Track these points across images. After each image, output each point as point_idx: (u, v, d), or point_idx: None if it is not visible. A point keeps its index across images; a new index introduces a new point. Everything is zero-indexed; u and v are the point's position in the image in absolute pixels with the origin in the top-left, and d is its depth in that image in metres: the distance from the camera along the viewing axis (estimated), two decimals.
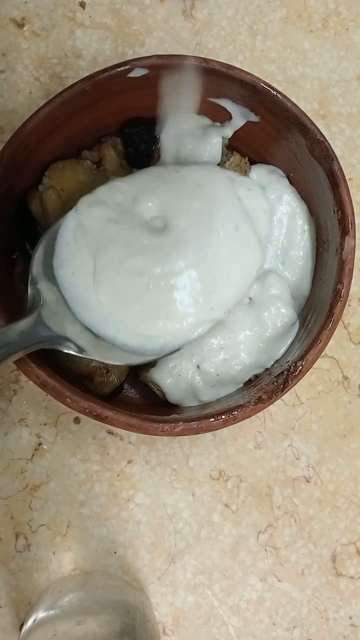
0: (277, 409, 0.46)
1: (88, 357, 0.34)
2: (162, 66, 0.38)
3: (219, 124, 0.41)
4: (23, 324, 0.32)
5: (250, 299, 0.40)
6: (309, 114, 0.38)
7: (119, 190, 0.35)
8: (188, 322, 0.33)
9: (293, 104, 0.38)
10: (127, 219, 0.34)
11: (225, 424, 0.35)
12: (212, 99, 0.40)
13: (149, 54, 0.38)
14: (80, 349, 0.34)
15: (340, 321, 0.38)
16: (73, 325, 0.34)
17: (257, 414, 0.36)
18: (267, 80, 0.38)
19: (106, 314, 0.33)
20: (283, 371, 0.36)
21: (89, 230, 0.34)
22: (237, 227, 0.35)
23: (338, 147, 0.48)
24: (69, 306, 0.34)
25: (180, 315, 0.33)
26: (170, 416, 0.36)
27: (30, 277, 0.34)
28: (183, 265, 0.33)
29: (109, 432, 0.44)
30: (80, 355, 0.34)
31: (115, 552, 0.43)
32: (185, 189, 0.36)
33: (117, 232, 0.34)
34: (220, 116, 0.41)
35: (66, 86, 0.37)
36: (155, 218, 0.35)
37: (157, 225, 0.35)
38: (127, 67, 0.37)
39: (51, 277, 0.34)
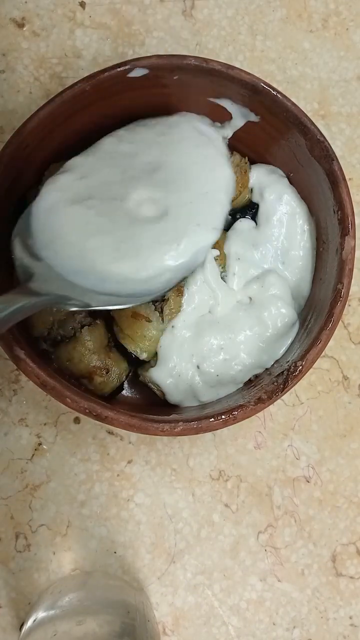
0: (277, 409, 0.46)
1: (96, 309, 0.33)
2: (162, 66, 0.38)
3: (219, 124, 0.41)
4: (16, 290, 0.30)
5: (250, 298, 0.40)
6: (309, 114, 0.38)
7: (84, 154, 0.36)
8: (184, 251, 0.33)
9: (293, 104, 0.38)
10: (101, 165, 0.34)
11: (225, 424, 0.35)
12: (212, 99, 0.40)
13: (149, 54, 0.38)
14: (86, 304, 0.32)
15: (340, 321, 0.38)
16: (73, 287, 0.32)
17: (257, 414, 0.36)
18: (267, 80, 0.38)
19: (105, 273, 0.32)
20: (283, 371, 0.36)
21: (62, 201, 0.33)
22: (207, 154, 0.37)
23: (338, 147, 0.48)
24: (64, 277, 0.33)
25: (175, 243, 0.33)
26: (170, 416, 0.36)
27: (14, 260, 0.33)
28: (172, 191, 0.34)
29: (109, 432, 0.44)
30: (88, 309, 0.33)
31: (115, 552, 0.43)
32: (150, 132, 0.37)
33: (91, 184, 0.33)
34: (220, 116, 0.41)
35: (66, 86, 0.37)
36: (129, 154, 0.35)
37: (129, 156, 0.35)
38: (127, 67, 0.37)
39: (36, 257, 0.33)
